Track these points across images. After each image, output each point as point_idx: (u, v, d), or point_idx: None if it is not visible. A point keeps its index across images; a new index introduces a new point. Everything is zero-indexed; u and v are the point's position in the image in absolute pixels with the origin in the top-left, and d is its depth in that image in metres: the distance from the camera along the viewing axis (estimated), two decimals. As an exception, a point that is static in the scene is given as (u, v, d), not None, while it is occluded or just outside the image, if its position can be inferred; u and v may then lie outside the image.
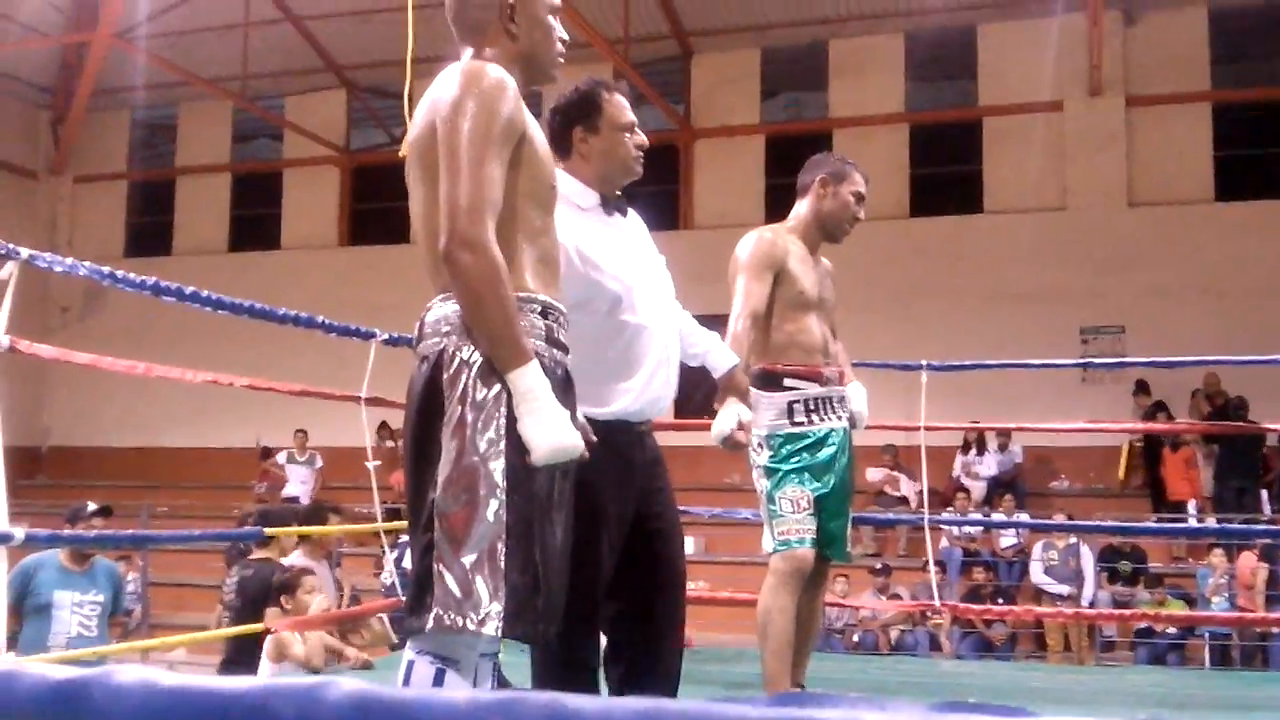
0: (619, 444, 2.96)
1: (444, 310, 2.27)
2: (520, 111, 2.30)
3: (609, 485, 2.91)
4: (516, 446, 2.18)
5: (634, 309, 2.99)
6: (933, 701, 4.88)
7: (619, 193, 3.15)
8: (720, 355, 3.31)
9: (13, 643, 5.13)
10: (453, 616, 2.13)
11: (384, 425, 13.30)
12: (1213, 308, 13.12)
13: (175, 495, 15.50)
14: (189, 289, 4.05)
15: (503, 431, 2.18)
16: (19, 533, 3.50)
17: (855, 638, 10.88)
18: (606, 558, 2.92)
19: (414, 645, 2.25)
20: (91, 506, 6.47)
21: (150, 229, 18.12)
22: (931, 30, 14.97)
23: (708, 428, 4.35)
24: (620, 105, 3.08)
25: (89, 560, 6.28)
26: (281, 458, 14.46)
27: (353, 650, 6.46)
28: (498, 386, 2.19)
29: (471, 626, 2.13)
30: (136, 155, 18.63)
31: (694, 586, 10.28)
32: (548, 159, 2.40)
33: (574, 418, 2.36)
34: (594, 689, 2.93)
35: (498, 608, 2.13)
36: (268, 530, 5.86)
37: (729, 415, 3.27)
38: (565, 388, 2.34)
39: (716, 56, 15.77)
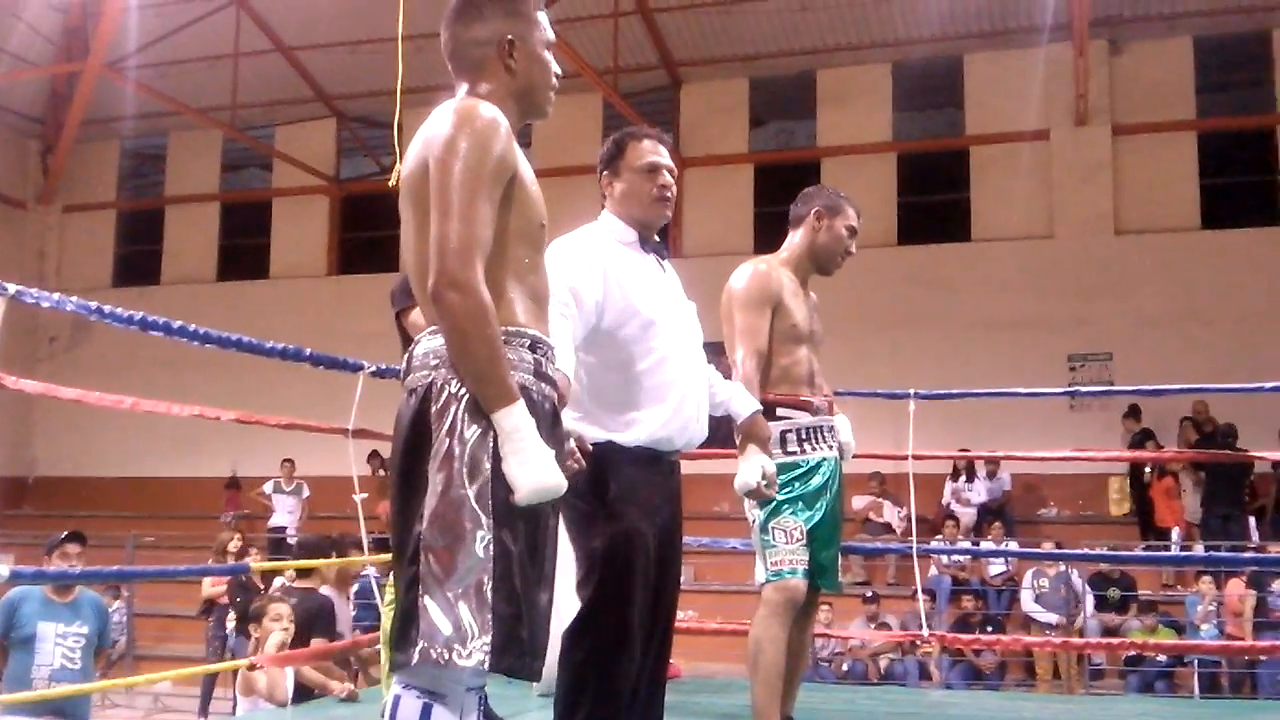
0: (653, 471, 3.06)
1: (433, 344, 2.27)
2: (512, 151, 2.31)
3: (645, 512, 2.99)
4: (503, 480, 2.18)
5: (663, 338, 3.09)
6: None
7: (658, 238, 3.28)
8: (742, 402, 3.41)
9: (-3, 676, 5.09)
10: (439, 650, 2.12)
11: (374, 454, 13.25)
12: (1200, 335, 13.17)
13: (162, 525, 15.42)
14: (176, 323, 4.04)
15: (490, 465, 2.18)
16: (3, 569, 3.46)
17: (844, 666, 10.84)
18: (643, 581, 2.97)
19: (400, 679, 2.23)
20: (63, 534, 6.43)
21: (139, 258, 18.10)
22: (918, 60, 15.06)
23: (696, 457, 4.35)
24: (642, 150, 3.24)
25: (73, 592, 6.22)
26: (268, 487, 14.39)
27: (337, 683, 6.42)
28: (485, 420, 2.19)
29: (458, 660, 2.12)
30: (126, 185, 18.64)
31: (683, 616, 10.25)
32: (538, 198, 2.41)
33: (561, 451, 2.36)
34: (625, 715, 2.95)
35: (484, 641, 2.12)
36: (254, 565, 5.82)
37: (754, 467, 3.36)
38: (553, 422, 2.35)
39: (705, 86, 15.84)
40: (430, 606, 2.15)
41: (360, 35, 14.87)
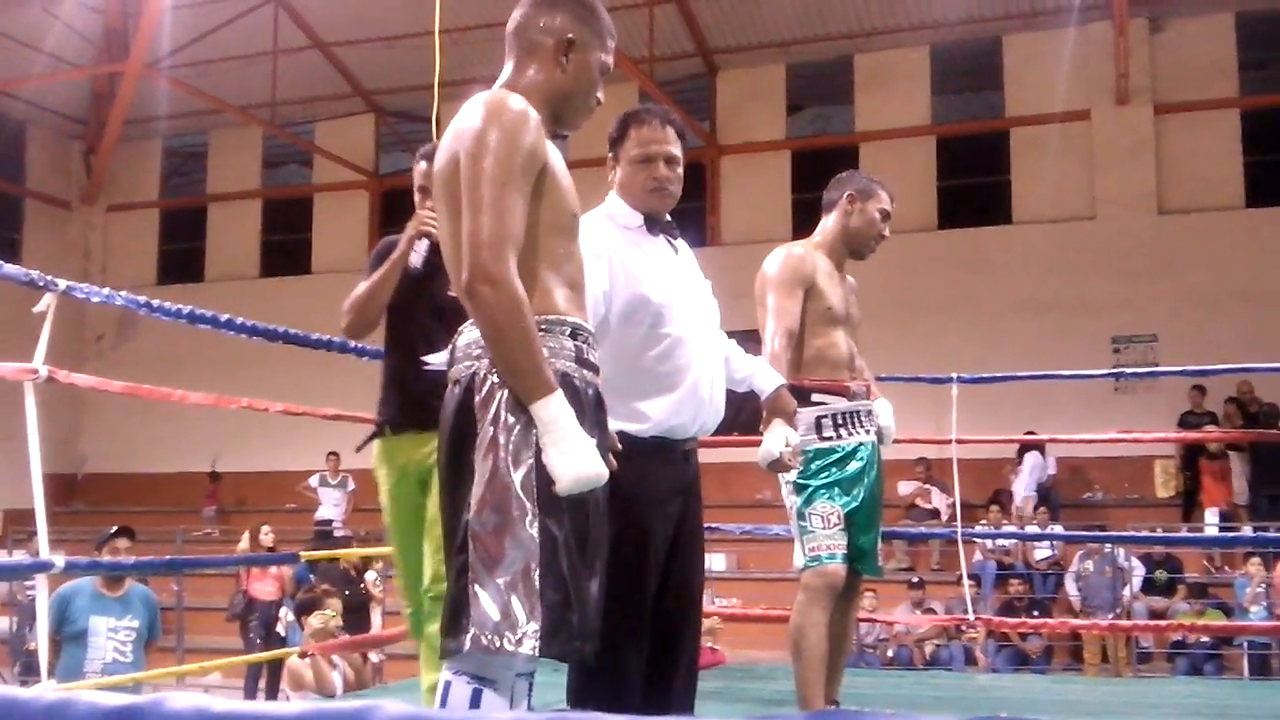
0: (665, 461, 2.99)
1: (474, 335, 2.30)
2: (542, 142, 2.32)
3: (655, 502, 2.94)
4: (546, 468, 2.21)
5: (675, 323, 3.02)
6: (968, 717, 4.87)
7: (669, 217, 3.18)
8: (766, 377, 3.33)
9: (50, 670, 5.16)
10: (490, 637, 2.15)
11: None
12: (1245, 314, 13.02)
13: (210, 519, 15.63)
14: (223, 316, 4.09)
15: (533, 452, 2.21)
16: (59, 560, 3.54)
17: (889, 652, 10.83)
18: (652, 576, 2.94)
19: (450, 666, 2.26)
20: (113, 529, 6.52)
21: (182, 256, 18.28)
22: (956, 42, 14.96)
23: (738, 444, 4.33)
24: (643, 138, 3.10)
25: (123, 586, 6.29)
26: (314, 481, 14.51)
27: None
28: (527, 410, 2.22)
29: (509, 647, 2.14)
30: (168, 183, 18.81)
31: (726, 604, 10.28)
32: (569, 188, 2.41)
33: (604, 437, 2.38)
34: (635, 709, 2.90)
35: (534, 627, 2.15)
36: (304, 555, 5.89)
37: (777, 437, 3.28)
38: (596, 407, 2.37)
39: (741, 73, 15.80)
40: (480, 594, 2.18)
41: (397, 30, 14.93)
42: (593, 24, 2.50)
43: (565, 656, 2.22)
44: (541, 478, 2.20)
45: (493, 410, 2.23)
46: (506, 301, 2.18)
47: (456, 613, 2.21)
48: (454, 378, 2.33)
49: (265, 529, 10.60)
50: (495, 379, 2.25)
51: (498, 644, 2.15)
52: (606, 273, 2.97)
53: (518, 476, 2.20)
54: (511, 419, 2.22)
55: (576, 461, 2.18)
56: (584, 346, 2.36)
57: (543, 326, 2.27)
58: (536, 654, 2.15)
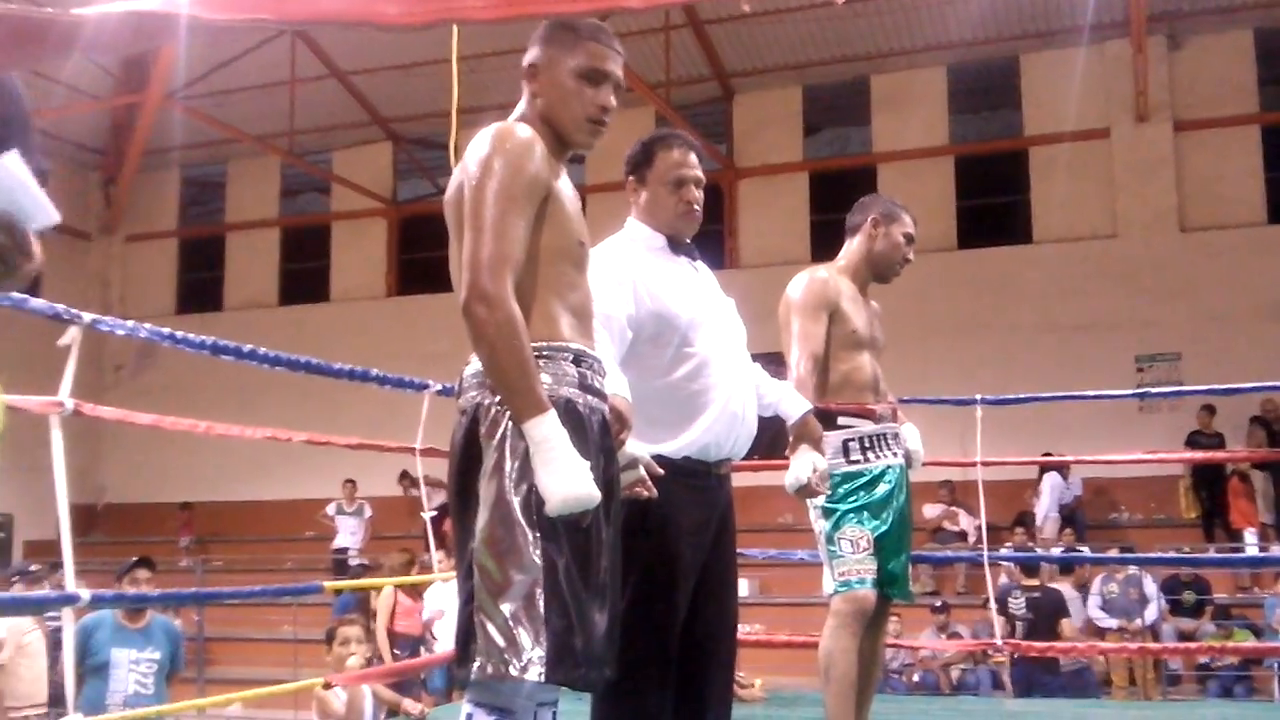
0: (696, 485, 2.98)
1: (480, 364, 2.32)
2: (546, 170, 2.35)
3: (688, 528, 2.93)
4: None
5: (703, 342, 3.03)
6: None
7: (688, 240, 3.20)
8: (793, 403, 3.34)
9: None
10: (495, 664, 2.17)
11: (404, 474, 13.41)
12: (1268, 331, 12.92)
13: (229, 549, 15.64)
14: (246, 347, 4.08)
15: (532, 478, 2.22)
16: (85, 593, 3.52)
17: (916, 677, 10.73)
18: (682, 604, 2.91)
19: (470, 697, 2.28)
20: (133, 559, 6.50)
21: (201, 285, 18.36)
22: (973, 62, 14.94)
23: (759, 468, 4.29)
24: (673, 160, 3.13)
25: (145, 617, 6.27)
26: (331, 509, 14.51)
27: (410, 701, 6.42)
28: None
29: (514, 673, 2.16)
30: (187, 213, 18.91)
31: (750, 630, 10.20)
32: (576, 216, 2.43)
33: (611, 464, 2.40)
34: None
35: (539, 654, 2.16)
36: (327, 585, 5.85)
37: (804, 463, 3.29)
38: (602, 434, 2.37)
39: (758, 95, 15.81)
40: (485, 621, 2.20)
41: (414, 58, 14.98)
42: (558, 39, 2.49)
43: (571, 683, 2.21)
44: (540, 503, 2.21)
45: (497, 438, 2.25)
46: (501, 321, 2.20)
47: (465, 641, 2.25)
48: (461, 408, 2.37)
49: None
50: (500, 406, 2.27)
51: (503, 671, 2.17)
52: (631, 296, 2.97)
53: (519, 503, 2.22)
54: (515, 446, 2.24)
55: (566, 482, 2.17)
56: (588, 373, 2.37)
57: (545, 353, 2.30)
58: (543, 680, 2.16)
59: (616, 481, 2.44)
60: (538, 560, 2.19)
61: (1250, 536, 11.90)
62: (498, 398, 2.27)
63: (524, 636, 2.16)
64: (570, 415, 2.26)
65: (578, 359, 2.35)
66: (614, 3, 0.94)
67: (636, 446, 2.64)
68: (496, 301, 2.21)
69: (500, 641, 2.17)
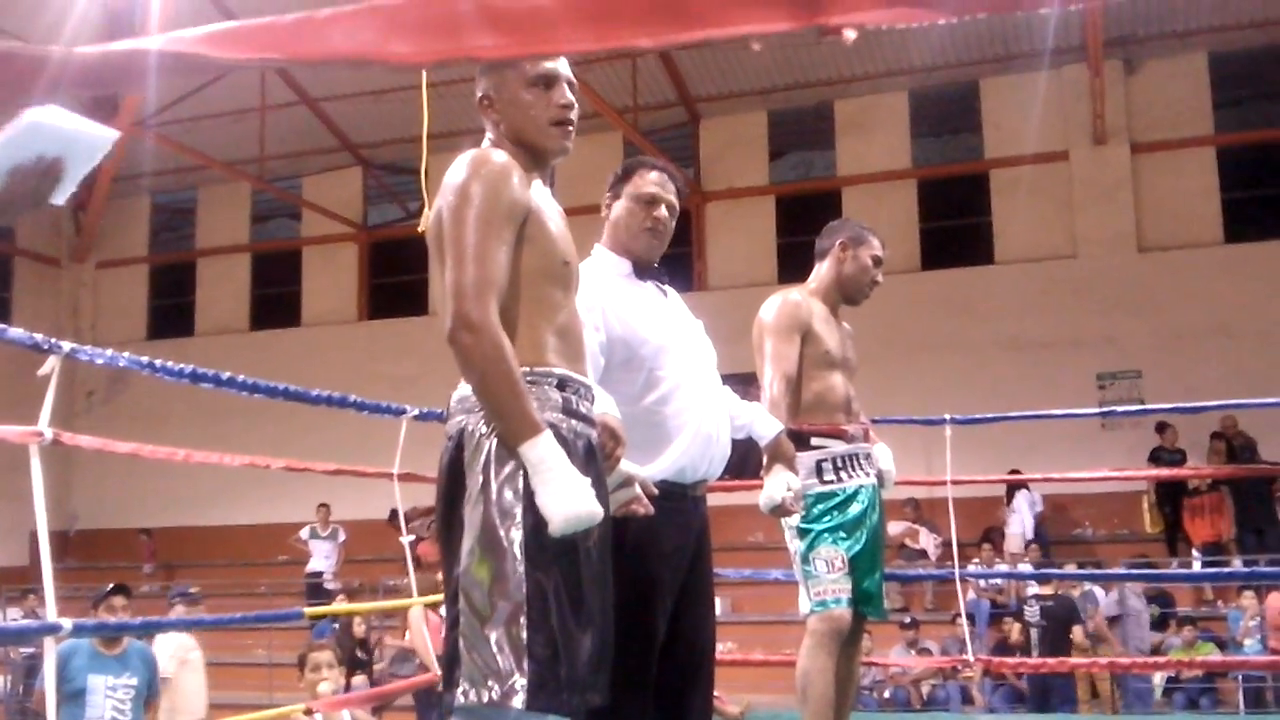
0: (673, 507, 2.98)
1: (466, 390, 2.34)
2: (524, 193, 2.36)
3: (664, 551, 2.94)
4: (536, 518, 2.21)
5: (673, 366, 3.05)
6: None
7: (656, 265, 3.24)
8: (765, 424, 3.37)
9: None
10: (479, 690, 2.17)
11: (393, 514, 13.40)
12: (1227, 348, 13.14)
13: (202, 574, 15.57)
14: (224, 375, 4.13)
15: (521, 504, 2.22)
16: (66, 623, 3.52)
17: (887, 694, 10.83)
18: (660, 626, 2.93)
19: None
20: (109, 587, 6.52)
21: (172, 311, 18.30)
22: (934, 87, 15.15)
23: (730, 489, 4.35)
24: (645, 180, 3.19)
25: (122, 644, 6.27)
26: (305, 533, 14.48)
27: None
28: (513, 461, 2.24)
29: (497, 700, 2.16)
30: (157, 239, 18.86)
31: (722, 648, 10.28)
32: (560, 237, 2.44)
33: (602, 485, 2.40)
34: None
35: (522, 680, 2.16)
36: (307, 611, 5.91)
37: (778, 483, 3.31)
38: (588, 458, 2.36)
39: (724, 120, 15.96)
40: (469, 647, 2.21)
41: (384, 84, 15.06)
42: (499, 63, 2.48)
43: (554, 709, 2.20)
44: (528, 529, 2.21)
45: (481, 463, 2.26)
46: (488, 347, 2.21)
47: (450, 666, 2.24)
48: (448, 433, 2.37)
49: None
50: (484, 432, 2.27)
51: (485, 697, 2.16)
52: (602, 322, 2.99)
53: (505, 528, 2.22)
54: (499, 471, 2.25)
55: (567, 500, 2.17)
56: (573, 398, 2.37)
57: (529, 379, 2.29)
58: (525, 707, 2.16)
59: (606, 508, 2.42)
60: (524, 586, 2.19)
61: (1196, 554, 12.09)
62: (482, 422, 2.27)
63: (507, 663, 2.16)
64: (552, 435, 2.25)
65: (562, 384, 2.35)
66: (623, 41, 0.99)
67: (630, 466, 2.64)
68: (482, 328, 2.22)
69: (484, 667, 2.17)
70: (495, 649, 2.18)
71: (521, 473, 2.23)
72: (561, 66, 2.50)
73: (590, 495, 2.21)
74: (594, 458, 2.40)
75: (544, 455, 2.19)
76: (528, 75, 2.48)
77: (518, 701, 2.16)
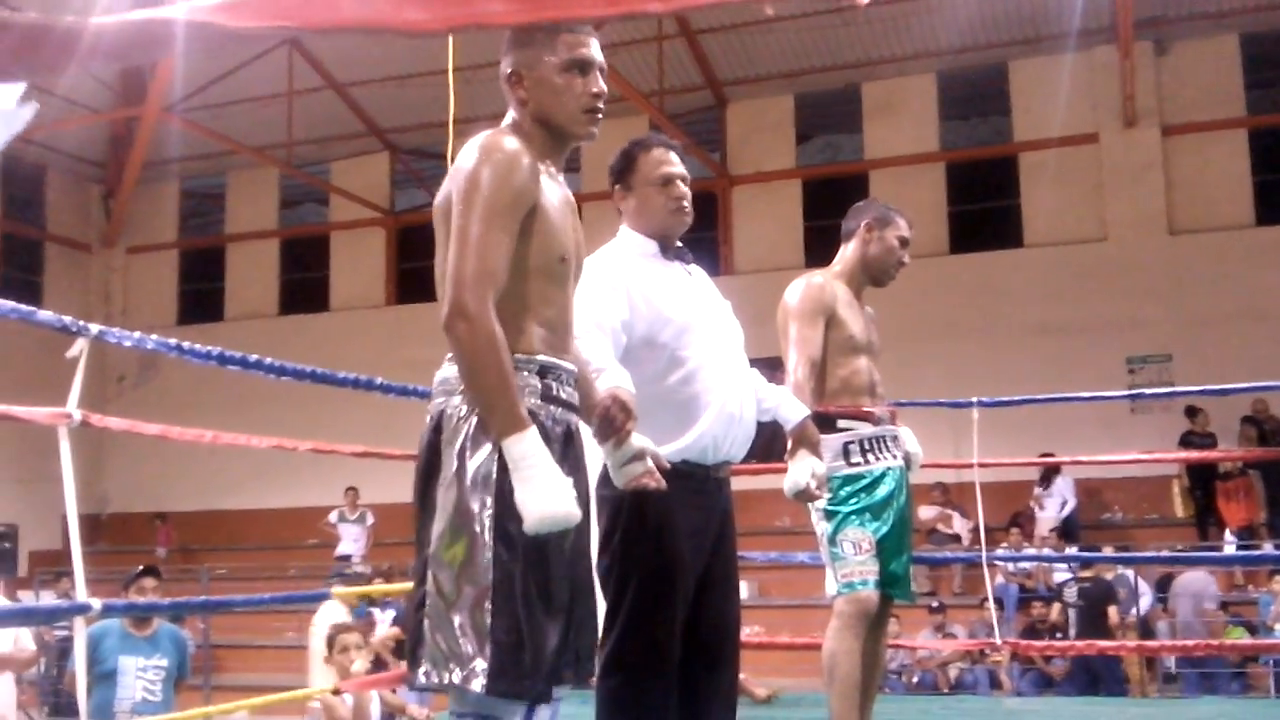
0: (693, 489, 2.98)
1: (448, 372, 2.36)
2: (533, 183, 2.35)
3: (685, 532, 2.94)
4: (507, 504, 2.21)
5: (698, 345, 3.05)
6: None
7: (680, 243, 3.23)
8: (791, 408, 3.35)
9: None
10: (440, 671, 2.21)
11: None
12: (1258, 332, 13.02)
13: (233, 556, 15.71)
14: (251, 357, 4.16)
15: (493, 490, 2.24)
16: (96, 603, 3.56)
17: (914, 678, 10.83)
18: (682, 606, 2.94)
19: (453, 708, 2.30)
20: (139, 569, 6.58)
21: (202, 296, 18.42)
22: (963, 69, 15.06)
23: (756, 472, 4.35)
24: (654, 160, 3.16)
25: (152, 625, 6.31)
26: (333, 516, 14.58)
27: (415, 706, 6.52)
28: (489, 446, 2.25)
29: (456, 682, 2.19)
30: (186, 224, 18.97)
31: (750, 632, 10.30)
32: (560, 230, 2.42)
33: (580, 477, 2.40)
34: None
35: (483, 664, 2.18)
36: (334, 591, 5.95)
37: (803, 467, 3.29)
38: (565, 444, 2.38)
39: (751, 104, 15.91)
40: (433, 629, 2.23)
41: (410, 69, 15.10)
42: (533, 40, 2.47)
43: (513, 695, 2.21)
44: (499, 514, 2.22)
45: (457, 446, 2.27)
46: (482, 339, 2.22)
47: (414, 646, 2.27)
48: (428, 412, 2.39)
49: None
50: (461, 415, 2.29)
51: (446, 679, 2.19)
52: (625, 302, 3.00)
53: (476, 513, 2.23)
54: (473, 455, 2.26)
55: (546, 501, 2.17)
56: (554, 384, 2.38)
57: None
58: (485, 691, 2.17)
59: (586, 488, 2.44)
60: (490, 572, 2.20)
61: (1230, 537, 12.02)
62: (461, 405, 2.30)
63: (470, 646, 2.18)
64: (536, 430, 2.25)
65: (544, 370, 2.36)
66: (634, 6, 0.98)
67: (642, 439, 2.63)
68: (478, 319, 2.22)
69: (445, 650, 2.20)
70: (459, 632, 2.20)
71: (496, 458, 2.24)
72: (595, 53, 2.48)
73: (570, 497, 2.20)
74: (571, 443, 2.41)
75: (527, 452, 2.19)
76: (562, 59, 2.45)
77: (477, 685, 2.18)
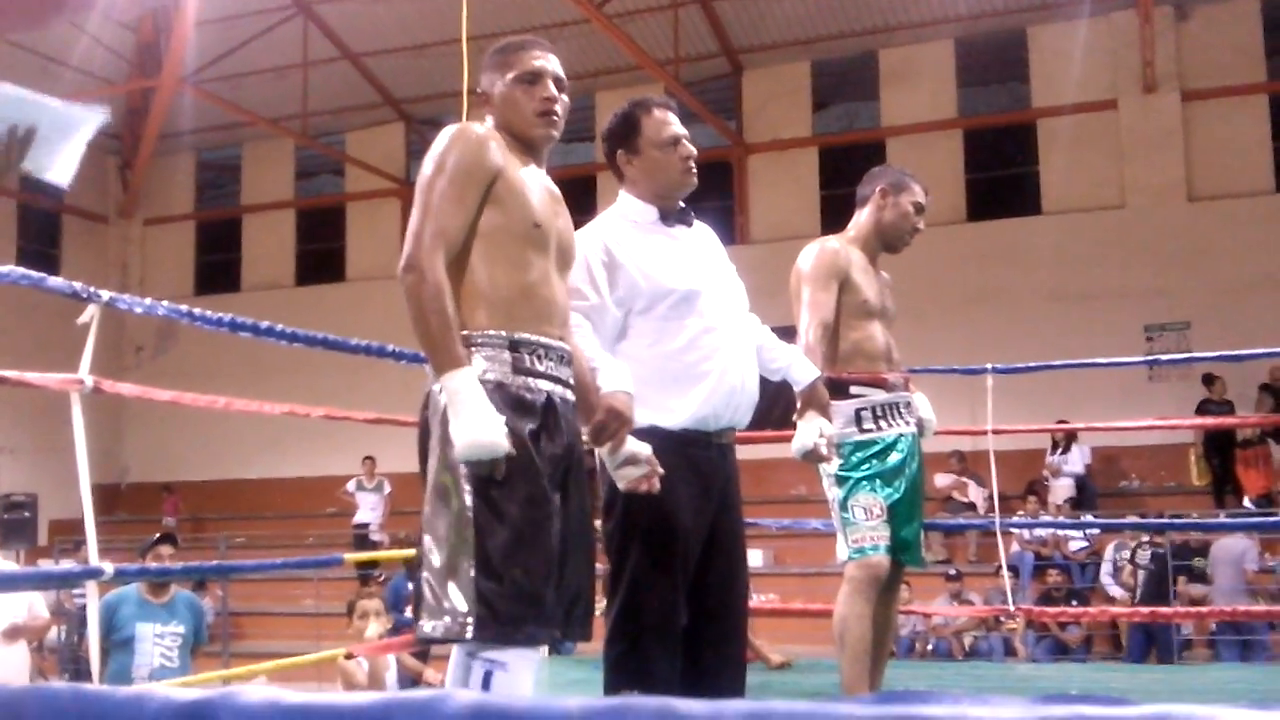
0: (695, 457, 2.99)
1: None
2: (493, 159, 2.57)
3: (685, 500, 2.95)
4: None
5: (699, 312, 3.04)
6: (1036, 698, 4.89)
7: (682, 205, 3.20)
8: (802, 368, 3.35)
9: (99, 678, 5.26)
10: (434, 624, 2.39)
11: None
12: (1278, 299, 12.94)
13: (251, 525, 15.80)
14: (263, 324, 4.16)
15: None
16: (108, 567, 3.58)
17: (929, 645, 10.84)
18: (681, 572, 2.95)
19: (460, 648, 2.46)
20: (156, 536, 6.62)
21: (219, 267, 18.48)
22: (980, 35, 14.94)
23: (772, 440, 4.35)
24: (659, 121, 3.14)
25: (169, 592, 6.35)
26: (351, 485, 14.65)
27: (431, 671, 6.55)
28: None
29: (451, 634, 2.37)
30: (203, 195, 19.02)
31: (765, 599, 10.33)
32: (536, 203, 2.60)
33: (559, 435, 2.53)
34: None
35: (469, 614, 2.37)
36: (347, 557, 5.98)
37: (811, 428, 3.29)
38: (546, 411, 2.52)
39: (766, 71, 15.83)
40: (428, 585, 2.43)
41: (425, 39, 15.06)
42: (494, 64, 2.74)
43: (501, 640, 2.38)
44: (475, 475, 2.40)
45: (438, 419, 2.48)
46: (429, 288, 2.44)
47: (416, 602, 2.47)
48: (424, 389, 2.58)
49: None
50: (437, 390, 2.48)
51: (440, 631, 2.37)
52: (619, 278, 3.01)
53: (455, 478, 2.42)
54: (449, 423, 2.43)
55: (471, 429, 2.34)
56: (527, 357, 2.52)
57: (479, 341, 2.49)
58: (474, 639, 2.36)
59: (577, 455, 2.58)
60: (469, 525, 2.39)
61: (1249, 504, 11.97)
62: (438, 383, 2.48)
63: (456, 596, 2.37)
64: (506, 399, 2.44)
65: (514, 345, 2.51)
66: None
67: (637, 444, 2.74)
68: (427, 270, 2.45)
69: (433, 601, 2.40)
70: (450, 588, 2.38)
71: None
72: (547, 65, 2.71)
73: (498, 430, 2.36)
74: (554, 410, 2.54)
75: (459, 387, 2.38)
76: (515, 74, 2.70)
77: (468, 634, 2.37)
